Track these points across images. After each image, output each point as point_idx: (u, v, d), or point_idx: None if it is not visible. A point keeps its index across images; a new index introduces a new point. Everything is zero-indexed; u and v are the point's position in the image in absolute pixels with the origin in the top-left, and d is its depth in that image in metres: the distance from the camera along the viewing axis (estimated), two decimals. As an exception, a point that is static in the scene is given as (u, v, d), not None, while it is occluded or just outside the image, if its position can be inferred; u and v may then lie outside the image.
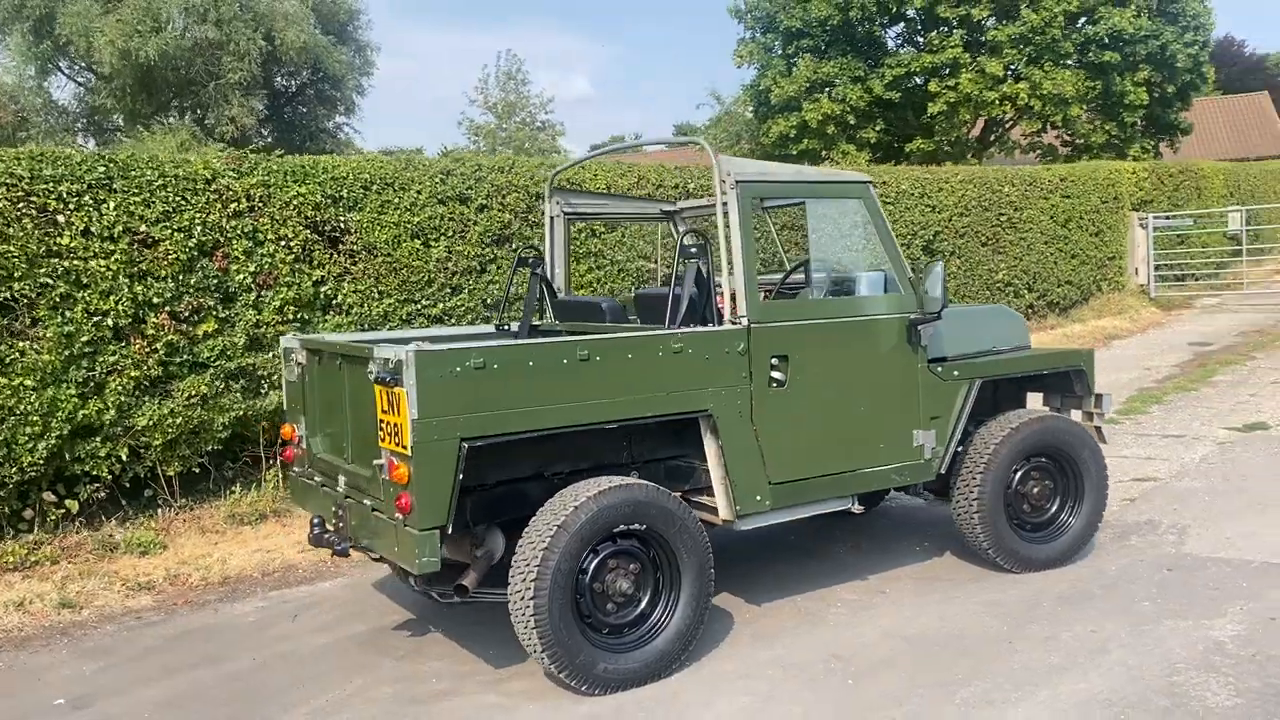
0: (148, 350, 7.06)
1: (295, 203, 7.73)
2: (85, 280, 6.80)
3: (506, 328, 6.39)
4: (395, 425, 4.30)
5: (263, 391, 7.62)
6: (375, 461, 4.49)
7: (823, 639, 5.10)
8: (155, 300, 7.08)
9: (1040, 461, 5.89)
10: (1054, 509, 5.97)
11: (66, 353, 6.73)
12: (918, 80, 29.08)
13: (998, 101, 27.42)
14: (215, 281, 7.34)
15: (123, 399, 6.95)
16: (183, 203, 7.23)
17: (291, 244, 7.70)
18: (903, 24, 30.41)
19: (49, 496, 6.93)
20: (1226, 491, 7.30)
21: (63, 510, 6.97)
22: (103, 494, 7.16)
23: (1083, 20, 27.94)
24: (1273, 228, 22.58)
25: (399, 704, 4.66)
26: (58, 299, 6.71)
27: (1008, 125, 30.82)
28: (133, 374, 6.99)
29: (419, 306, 8.38)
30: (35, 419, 6.61)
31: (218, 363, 7.37)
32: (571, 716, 4.44)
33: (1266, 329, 15.51)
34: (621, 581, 4.65)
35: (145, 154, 7.34)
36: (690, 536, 4.74)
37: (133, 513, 7.37)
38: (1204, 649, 4.72)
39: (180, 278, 7.19)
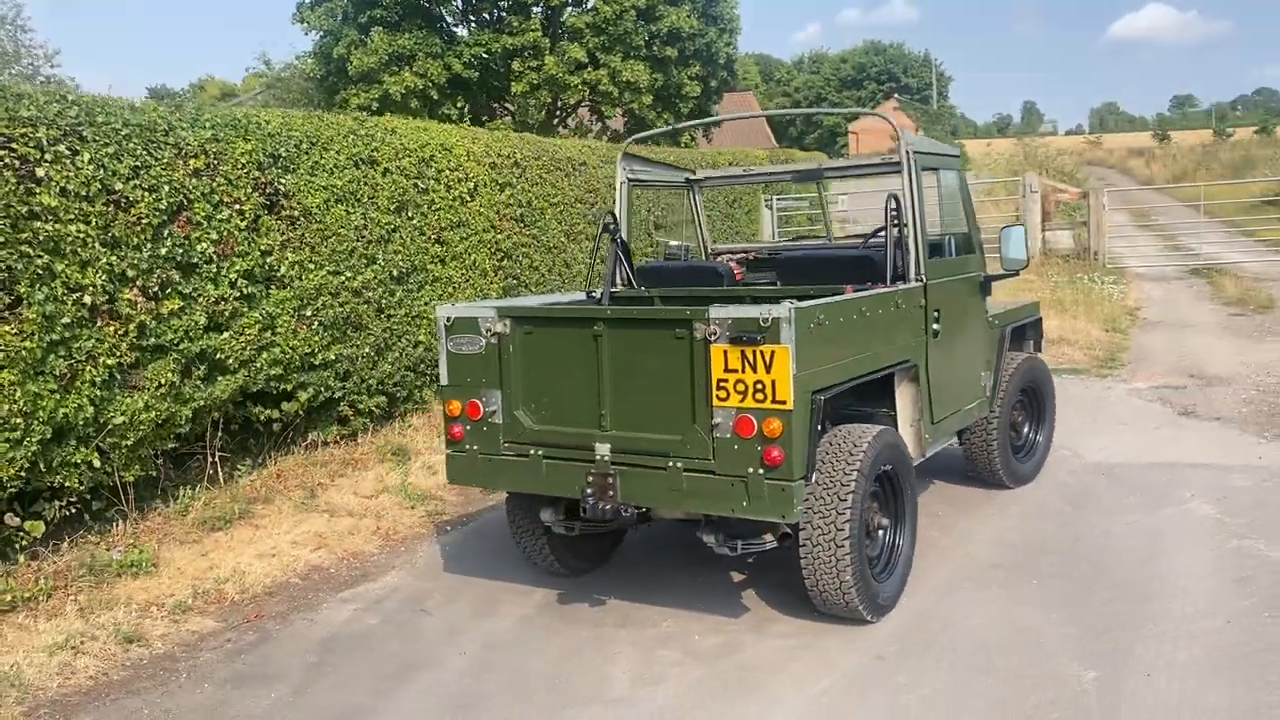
0: (121, 333, 5.91)
1: (244, 160, 6.79)
2: (64, 249, 5.55)
3: (594, 296, 6.34)
4: (761, 382, 4.41)
5: (216, 379, 6.65)
6: (714, 421, 4.52)
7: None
8: (129, 273, 5.94)
9: (1022, 395, 7.20)
10: (1027, 431, 7.33)
11: (49, 338, 5.47)
12: (497, 61, 29.98)
13: (579, 85, 29.20)
14: (181, 251, 6.29)
15: (97, 392, 5.77)
16: (149, 158, 6.09)
17: (244, 208, 6.77)
18: (469, 4, 30.97)
19: (12, 519, 5.59)
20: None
21: (24, 536, 5.65)
22: (71, 510, 5.88)
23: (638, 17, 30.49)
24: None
25: (721, 657, 4.72)
26: (39, 271, 5.42)
27: (573, 107, 32.82)
28: (107, 361, 5.82)
29: (343, 279, 7.71)
30: (17, 420, 5.32)
31: (181, 345, 6.33)
32: (872, 640, 4.87)
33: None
34: (880, 516, 5.14)
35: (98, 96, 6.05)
36: (912, 475, 5.34)
37: (94, 528, 6.12)
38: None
39: (151, 246, 6.08)
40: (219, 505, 6.77)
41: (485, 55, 29.54)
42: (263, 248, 6.92)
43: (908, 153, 5.64)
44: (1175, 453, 7.84)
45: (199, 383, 6.49)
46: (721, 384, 4.50)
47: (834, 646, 4.82)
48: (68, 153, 5.57)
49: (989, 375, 6.63)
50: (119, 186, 5.84)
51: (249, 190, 6.80)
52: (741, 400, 4.47)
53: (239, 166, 6.73)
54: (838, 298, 4.93)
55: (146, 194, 6.01)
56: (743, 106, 48.74)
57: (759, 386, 4.43)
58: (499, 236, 9.99)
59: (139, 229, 5.96)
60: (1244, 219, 23.20)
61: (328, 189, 7.53)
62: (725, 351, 4.47)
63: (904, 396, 5.57)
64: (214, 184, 6.52)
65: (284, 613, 5.65)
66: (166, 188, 6.15)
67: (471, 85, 29.72)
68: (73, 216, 5.57)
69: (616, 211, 6.57)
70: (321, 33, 30.27)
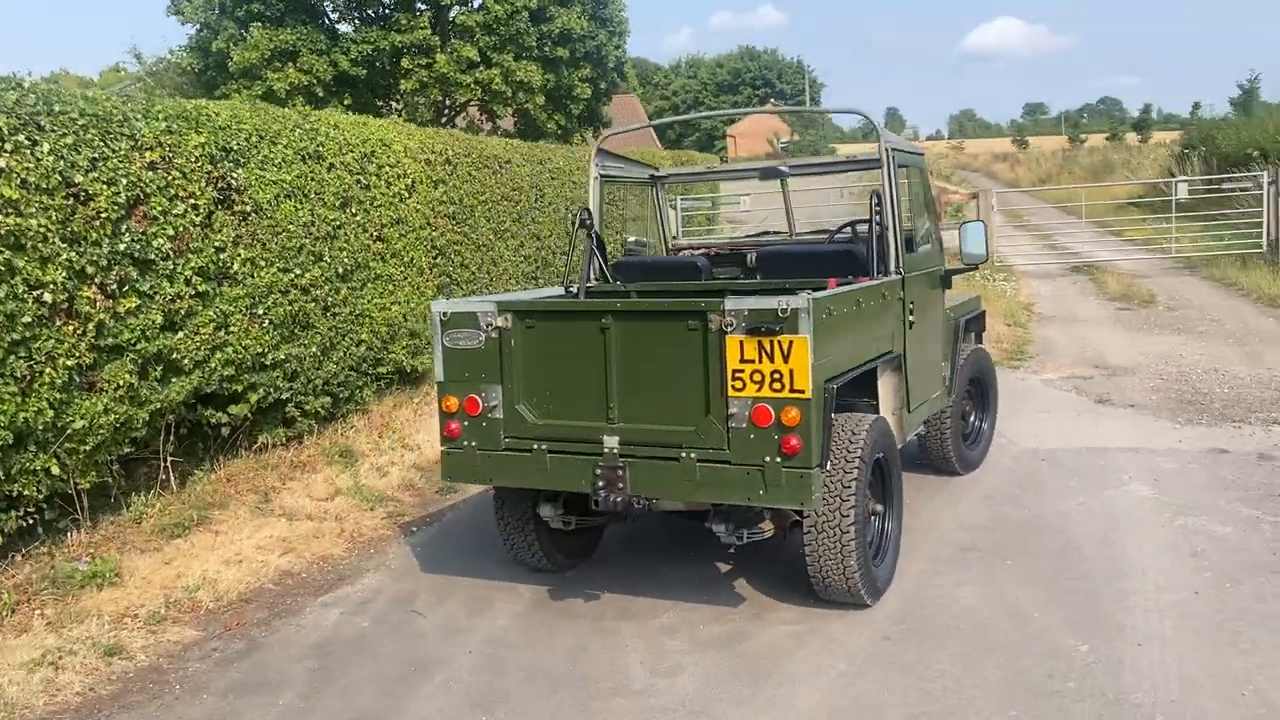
0: (80, 332, 5.64)
1: (198, 154, 6.55)
2: (25, 244, 5.26)
3: (571, 291, 6.33)
4: (779, 372, 4.50)
5: (170, 380, 6.40)
6: (729, 411, 4.59)
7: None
8: (89, 270, 5.67)
9: (970, 384, 7.50)
10: (974, 420, 7.64)
11: (9, 337, 5.19)
12: (385, 59, 29.45)
13: (471, 85, 28.91)
14: (139, 247, 6.03)
15: (57, 395, 5.50)
16: (106, 149, 5.82)
17: (199, 203, 6.53)
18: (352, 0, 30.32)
19: (-31, 530, 5.28)
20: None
21: (-21, 546, 5.35)
22: (28, 521, 5.58)
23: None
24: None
25: (730, 645, 4.79)
26: (0, 268, 5.13)
27: (462, 106, 32.47)
28: (66, 363, 5.55)
29: (292, 276, 7.50)
30: (-22, 427, 5.04)
31: (139, 345, 6.07)
32: (874, 623, 5.02)
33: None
34: (874, 503, 5.30)
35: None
36: (899, 461, 5.53)
37: (48, 540, 5.82)
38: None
39: (110, 242, 5.81)
40: (175, 512, 6.52)
41: (373, 53, 28.99)
42: (216, 244, 6.68)
43: (887, 150, 5.83)
44: (1102, 438, 8.27)
45: (155, 384, 6.23)
46: (737, 374, 4.58)
47: (838, 630, 4.95)
48: (27, 143, 5.29)
49: (947, 365, 6.89)
50: (79, 179, 5.57)
51: (203, 184, 6.57)
52: (759, 390, 4.55)
53: (193, 160, 6.49)
54: (845, 289, 5.06)
55: (105, 187, 5.75)
56: (627, 109, 48.98)
57: (776, 376, 4.52)
58: (434, 234, 9.87)
59: (98, 223, 5.70)
60: (1112, 219, 24.52)
61: (277, 184, 7.32)
62: (741, 342, 4.54)
63: (886, 386, 5.75)
64: (169, 177, 6.27)
65: (266, 619, 5.49)
66: (124, 180, 5.89)
67: (358, 83, 29.11)
68: (34, 210, 5.29)
69: (591, 206, 6.57)
70: (198, 26, 29.30)
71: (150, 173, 6.12)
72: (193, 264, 6.44)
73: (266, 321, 7.19)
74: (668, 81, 74.18)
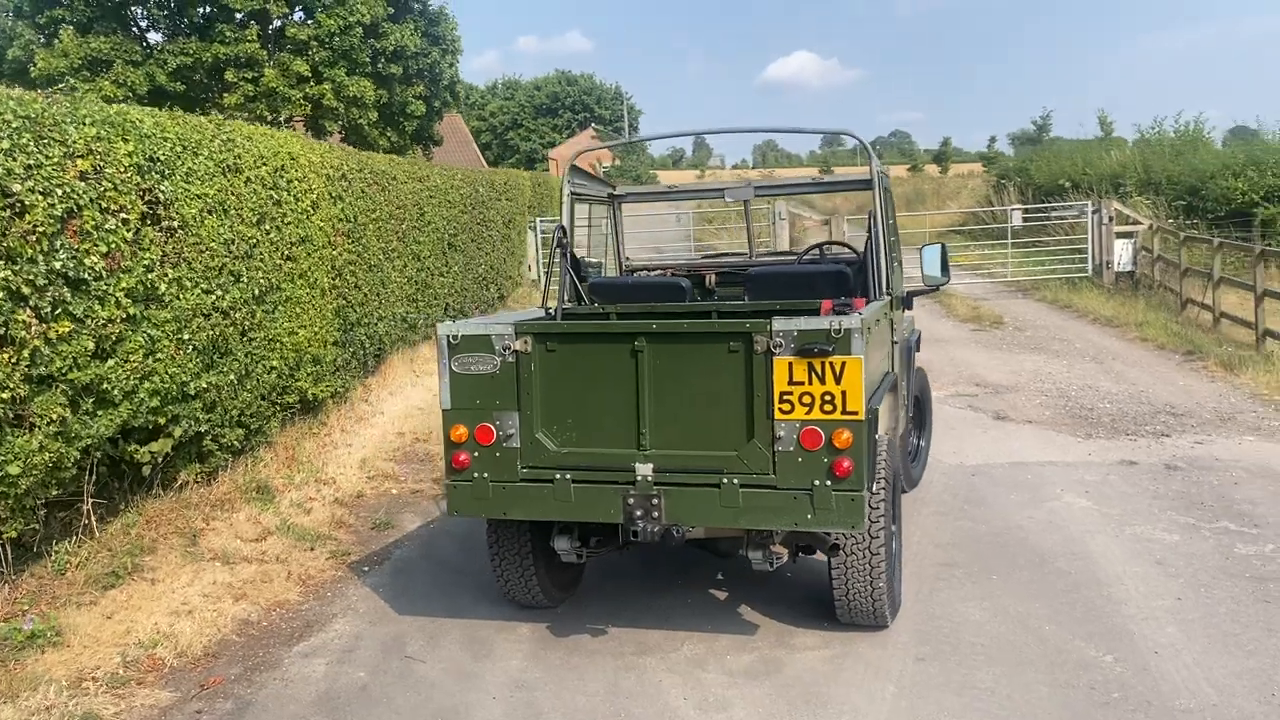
0: (14, 361, 4.99)
1: (127, 163, 5.93)
2: (-38, 261, 4.62)
3: (550, 313, 6.06)
4: (830, 393, 4.42)
5: (98, 413, 5.76)
6: (776, 435, 4.48)
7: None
8: (24, 290, 5.03)
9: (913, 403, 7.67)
10: (914, 437, 7.81)
11: (-54, 369, 4.53)
12: (205, 72, 27.94)
13: (301, 100, 27.78)
14: (73, 264, 5.39)
15: (-10, 433, 4.85)
16: (41, 156, 5.19)
17: (129, 217, 5.91)
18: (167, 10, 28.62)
19: (-108, 591, 4.56)
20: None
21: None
22: (-44, 575, 4.87)
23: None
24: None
25: (768, 674, 4.66)
26: (-63, 289, 4.48)
27: (286, 121, 31.17)
28: (1, 396, 4.90)
29: (214, 299, 6.90)
30: (-86, 472, 4.37)
31: (70, 374, 5.43)
32: (899, 644, 5.00)
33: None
34: (890, 523, 5.26)
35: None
36: (901, 481, 5.59)
37: (-26, 598, 5.10)
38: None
39: (45, 259, 5.17)
40: (103, 560, 5.85)
41: (193, 64, 27.43)
42: (145, 263, 6.07)
43: (879, 174, 5.89)
44: (1018, 453, 8.62)
45: (85, 418, 5.59)
46: (785, 397, 4.48)
47: (869, 653, 4.91)
48: (-37, 147, 4.65)
49: (904, 384, 7.01)
50: (16, 188, 4.94)
51: (133, 197, 5.96)
52: (808, 412, 4.46)
53: (123, 170, 5.87)
54: (872, 308, 5.05)
55: (41, 198, 5.12)
56: (451, 128, 48.24)
57: (827, 398, 4.44)
58: (334, 253, 9.35)
59: (34, 239, 5.06)
60: (939, 246, 25.89)
61: (201, 198, 6.73)
62: (790, 363, 4.45)
63: (884, 407, 5.78)
64: (101, 188, 5.66)
65: (242, 674, 4.98)
66: (59, 191, 5.27)
67: (176, 97, 27.46)
68: (-30, 223, 4.65)
69: (564, 224, 6.32)
70: (-9, 31, 27.03)
71: (82, 183, 5.49)
72: (123, 284, 5.82)
73: (191, 348, 6.58)
74: (484, 102, 73.46)
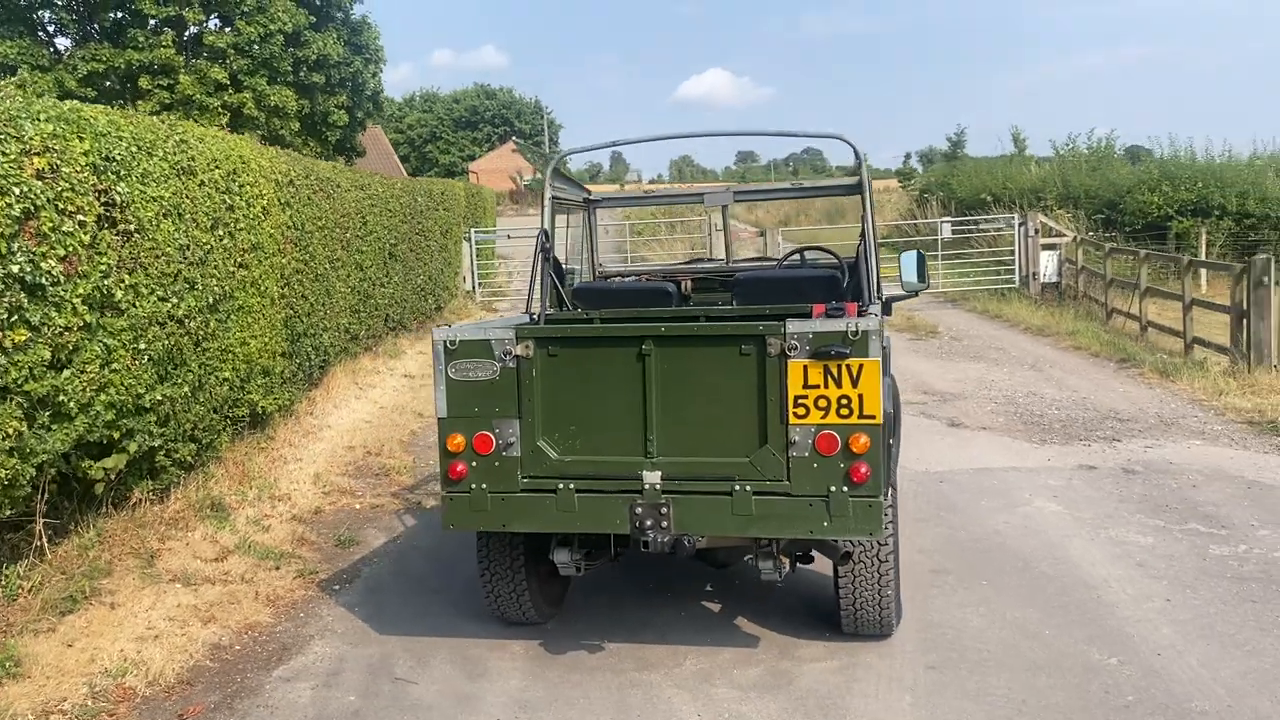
0: (-30, 372, 4.65)
1: (83, 162, 5.60)
2: (-82, 263, 4.28)
3: (534, 318, 5.87)
4: (846, 397, 4.34)
5: (53, 427, 5.41)
6: (790, 439, 4.38)
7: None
8: (-18, 296, 4.69)
9: (887, 411, 7.66)
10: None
11: (-98, 379, 4.19)
12: (117, 78, 27.05)
13: (219, 108, 27.03)
14: (30, 269, 5.06)
15: (-54, 449, 4.50)
16: (-3, 152, 4.86)
17: (86, 219, 5.57)
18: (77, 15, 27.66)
19: None
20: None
21: None
22: (-93, 603, 4.50)
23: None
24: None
25: (780, 688, 4.54)
26: (-107, 292, 4.13)
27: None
28: (-43, 409, 4.56)
29: (169, 306, 6.57)
30: None
31: (26, 386, 5.08)
32: (905, 653, 4.93)
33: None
34: None
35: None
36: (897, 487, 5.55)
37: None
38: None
39: (1, 263, 4.84)
40: (58, 584, 5.49)
41: (105, 71, 26.53)
42: (102, 268, 5.73)
43: (868, 180, 5.85)
44: (979, 459, 8.68)
45: (41, 432, 5.24)
46: (800, 400, 4.38)
47: (877, 663, 4.84)
48: (-80, 140, 4.31)
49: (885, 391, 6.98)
50: (-26, 187, 4.61)
51: (90, 198, 5.62)
52: (824, 417, 4.37)
53: (79, 169, 5.53)
54: (876, 310, 4.98)
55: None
56: (374, 139, 47.56)
57: (844, 401, 4.35)
58: (283, 260, 9.02)
59: (-9, 241, 4.73)
60: (866, 258, 26.25)
61: (157, 200, 6.40)
62: (806, 366, 4.35)
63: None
64: (59, 189, 5.32)
65: (223, 701, 4.69)
66: (16, 190, 4.93)
67: (86, 103, 26.45)
68: (-73, 222, 4.31)
69: (545, 229, 6.14)
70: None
71: (39, 182, 5.16)
72: (80, 290, 5.48)
73: (146, 358, 6.24)
74: (402, 114, 72.59)
